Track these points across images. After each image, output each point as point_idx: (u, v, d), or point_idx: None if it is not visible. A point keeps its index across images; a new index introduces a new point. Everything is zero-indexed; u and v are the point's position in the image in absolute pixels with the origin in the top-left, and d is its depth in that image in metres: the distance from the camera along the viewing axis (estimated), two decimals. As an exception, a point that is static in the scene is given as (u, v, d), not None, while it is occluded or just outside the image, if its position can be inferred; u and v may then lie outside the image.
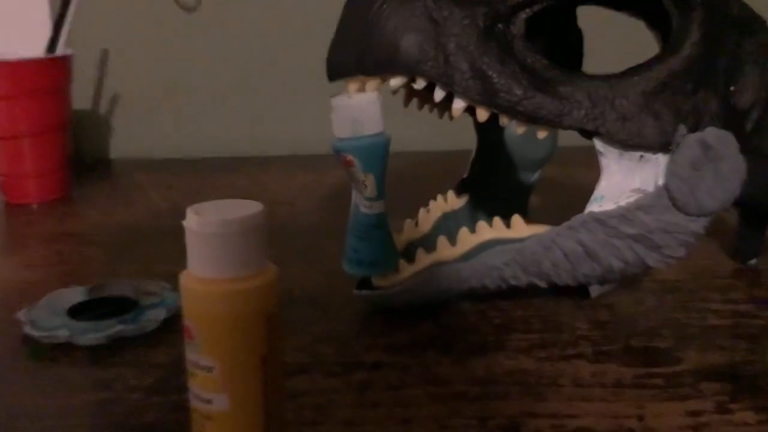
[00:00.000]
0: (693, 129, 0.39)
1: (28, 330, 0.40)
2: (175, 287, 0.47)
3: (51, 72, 0.66)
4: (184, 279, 0.27)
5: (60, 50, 0.69)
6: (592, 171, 0.46)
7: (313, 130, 0.86)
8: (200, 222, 0.26)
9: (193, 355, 0.28)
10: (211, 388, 0.27)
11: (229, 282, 0.27)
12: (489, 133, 0.51)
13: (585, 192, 0.59)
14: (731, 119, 0.41)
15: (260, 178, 0.75)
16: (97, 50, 0.85)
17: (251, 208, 0.27)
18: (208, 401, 0.28)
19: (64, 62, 0.68)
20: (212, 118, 0.87)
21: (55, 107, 0.67)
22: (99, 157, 0.88)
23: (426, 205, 0.50)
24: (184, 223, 0.27)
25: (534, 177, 0.53)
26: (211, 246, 0.26)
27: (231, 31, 0.85)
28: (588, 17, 0.62)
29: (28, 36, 0.82)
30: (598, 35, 0.75)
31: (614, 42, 0.80)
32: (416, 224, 0.48)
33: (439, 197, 0.50)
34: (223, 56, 0.86)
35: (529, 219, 0.52)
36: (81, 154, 0.87)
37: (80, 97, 0.86)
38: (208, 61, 0.86)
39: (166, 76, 0.86)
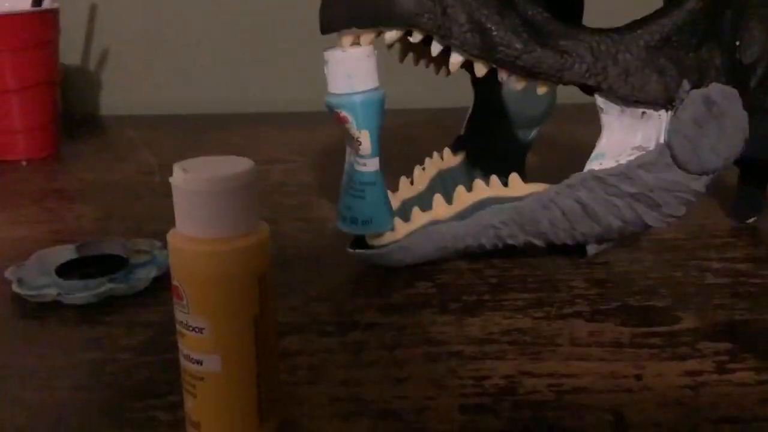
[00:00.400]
0: (697, 85, 0.38)
1: (15, 288, 0.40)
2: (166, 245, 0.46)
3: (38, 26, 0.65)
4: (172, 238, 0.26)
5: (46, 3, 0.68)
6: (591, 128, 0.46)
7: (307, 86, 0.84)
8: (188, 179, 0.25)
9: (182, 315, 0.27)
10: (202, 348, 0.27)
11: (219, 242, 0.26)
12: (486, 90, 0.50)
13: (583, 150, 0.58)
14: (736, 75, 0.39)
15: (253, 135, 0.73)
16: (86, 4, 0.83)
17: (241, 164, 0.27)
18: (199, 362, 0.27)
19: (51, 15, 0.66)
20: (204, 74, 0.86)
21: (43, 62, 0.66)
22: (89, 114, 0.86)
23: (421, 163, 0.49)
24: (171, 180, 0.26)
25: (532, 134, 0.52)
26: (200, 204, 0.25)
27: (222, -16, 0.83)
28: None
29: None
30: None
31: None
32: (411, 182, 0.48)
33: (435, 155, 0.49)
34: (215, 11, 0.84)
35: (526, 177, 0.52)
36: (70, 110, 0.85)
37: (69, 53, 0.84)
38: (200, 16, 0.84)
39: (157, 31, 0.84)
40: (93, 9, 0.83)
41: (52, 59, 0.67)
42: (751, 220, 0.49)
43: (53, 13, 0.66)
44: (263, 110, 0.85)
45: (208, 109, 0.85)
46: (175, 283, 0.27)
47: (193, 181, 0.25)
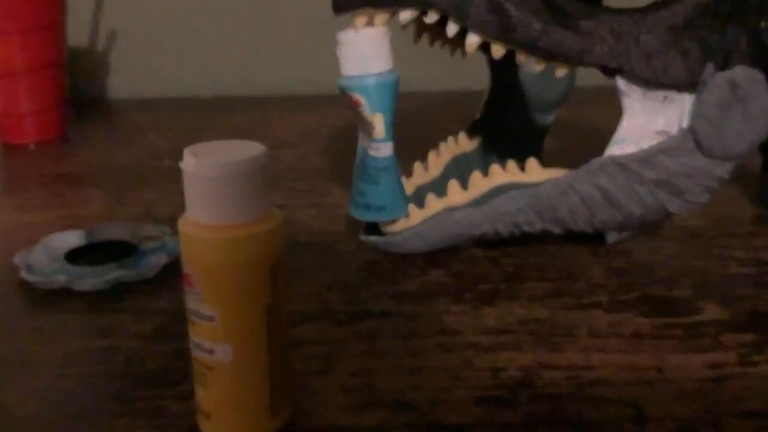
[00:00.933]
0: (721, 67, 0.37)
1: (24, 275, 0.39)
2: (177, 231, 0.45)
3: (45, 7, 0.64)
4: (183, 225, 0.26)
5: (54, -16, 0.67)
6: (611, 112, 0.44)
7: (318, 68, 0.83)
8: (199, 164, 0.25)
9: (193, 304, 0.26)
10: (214, 337, 0.26)
11: (230, 228, 0.25)
12: (503, 72, 0.49)
13: (603, 134, 0.57)
14: (761, 57, 0.38)
15: (263, 119, 0.72)
16: (93, -15, 0.82)
17: (253, 149, 0.26)
18: (211, 351, 0.26)
19: (59, -4, 0.65)
20: (213, 57, 0.85)
21: (50, 43, 0.65)
22: (97, 96, 0.85)
23: (436, 147, 0.48)
24: (182, 165, 0.25)
25: (550, 118, 0.50)
26: (211, 190, 0.25)
27: (232, -35, 0.82)
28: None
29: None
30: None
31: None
32: (426, 168, 0.47)
33: (450, 139, 0.48)
34: (225, -8, 0.82)
35: (544, 162, 0.50)
36: (79, 93, 0.85)
37: (77, 35, 0.83)
38: (209, -3, 0.83)
39: (166, 13, 0.83)
40: (102, -10, 0.82)
41: (59, 41, 0.66)
42: (774, 208, 0.48)
43: (61, -6, 0.66)
44: (274, 93, 0.84)
45: (218, 91, 0.84)
46: (186, 270, 0.26)
47: (205, 166, 0.25)
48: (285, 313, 0.27)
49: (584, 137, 0.63)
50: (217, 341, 0.26)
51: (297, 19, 0.83)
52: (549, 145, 0.61)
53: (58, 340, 0.35)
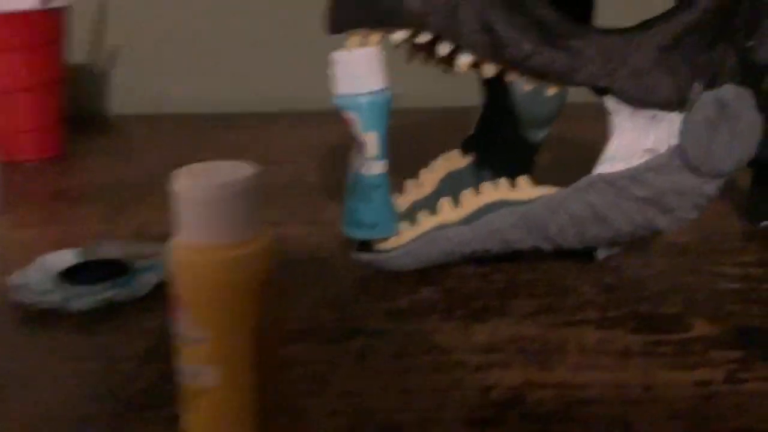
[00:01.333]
0: (709, 86, 0.38)
1: (19, 294, 0.39)
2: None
3: (46, 24, 0.64)
4: (174, 246, 0.26)
5: (55, 2, 0.67)
6: (603, 127, 0.45)
7: (316, 85, 0.84)
8: (189, 186, 0.25)
9: (182, 325, 0.26)
10: (202, 359, 0.26)
11: (219, 249, 0.25)
12: (496, 89, 0.49)
13: (594, 150, 0.57)
14: (749, 75, 0.39)
15: (261, 135, 0.73)
16: (94, 2, 0.83)
17: (243, 170, 0.26)
18: (198, 374, 0.26)
19: (60, 14, 0.66)
20: (212, 73, 0.85)
21: (51, 61, 0.66)
22: (97, 113, 0.86)
23: (429, 164, 0.48)
24: (174, 186, 0.26)
25: (542, 134, 0.51)
26: (200, 211, 0.25)
27: (230, -18, 0.82)
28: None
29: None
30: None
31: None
32: (419, 184, 0.47)
33: (443, 156, 0.48)
34: (224, 10, 0.83)
35: (535, 178, 0.51)
36: (79, 109, 0.85)
37: (78, 52, 0.84)
38: (208, 15, 0.83)
39: (166, 31, 0.84)
40: (102, 7, 0.83)
41: (60, 58, 0.67)
42: (764, 224, 0.48)
43: (61, 11, 0.66)
44: (272, 109, 0.85)
45: (217, 108, 0.85)
46: (176, 292, 0.26)
47: (194, 187, 0.25)
48: (275, 334, 0.28)
49: (576, 152, 0.64)
50: (205, 363, 0.26)
51: (295, 37, 0.84)
52: (541, 160, 0.62)
53: (50, 359, 0.35)
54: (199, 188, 0.25)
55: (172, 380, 0.33)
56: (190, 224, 0.25)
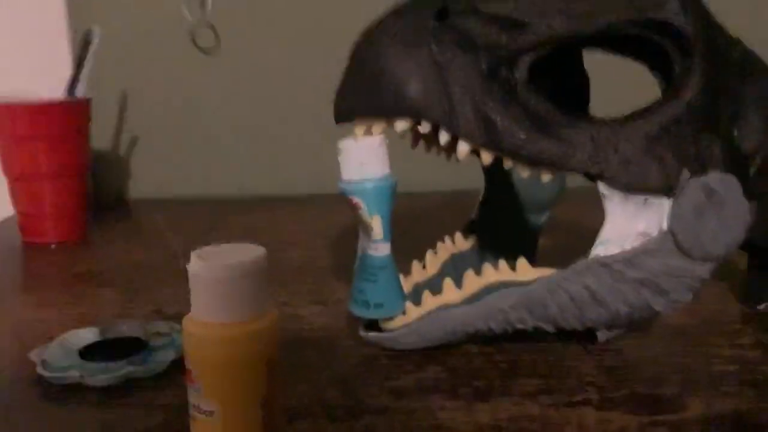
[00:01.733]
0: (696, 173, 0.40)
1: (40, 370, 0.41)
2: (185, 328, 0.47)
3: (71, 114, 0.68)
4: (186, 323, 0.28)
5: (80, 93, 0.71)
6: (602, 212, 0.47)
7: (329, 170, 0.87)
8: (202, 266, 0.27)
9: (194, 398, 0.28)
10: (212, 431, 0.28)
11: (228, 326, 0.27)
12: (497, 174, 0.52)
13: (596, 233, 0.59)
14: (735, 163, 0.41)
15: (276, 219, 0.75)
16: (117, 92, 0.87)
17: (254, 252, 0.28)
18: (209, 445, 0.28)
19: (84, 105, 0.70)
20: (230, 159, 0.89)
21: (75, 149, 0.69)
22: (118, 197, 0.89)
23: (434, 246, 0.50)
24: (188, 267, 0.28)
25: (543, 218, 0.53)
26: (212, 290, 0.27)
27: (248, 74, 0.87)
28: (596, 62, 0.62)
29: (49, 78, 0.85)
30: (606, 79, 0.75)
31: (622, 85, 0.80)
32: (424, 266, 0.49)
33: (447, 239, 0.50)
34: (241, 98, 0.87)
35: (537, 261, 0.53)
36: (100, 194, 0.89)
37: (100, 138, 0.88)
38: (226, 103, 0.87)
39: (185, 118, 0.88)
40: (124, 98, 0.87)
41: (84, 146, 0.70)
42: (761, 306, 0.49)
43: (86, 102, 0.70)
44: (285, 193, 0.88)
45: (233, 192, 0.88)
46: (188, 366, 0.28)
47: (208, 268, 0.27)
48: (280, 407, 0.29)
49: (577, 236, 0.66)
50: (215, 435, 0.28)
51: (306, 126, 0.87)
52: (544, 244, 0.63)
53: (68, 433, 0.36)
54: (211, 268, 0.27)
55: (183, 455, 0.34)
56: (201, 302, 0.27)
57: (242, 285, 0.27)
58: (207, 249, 0.28)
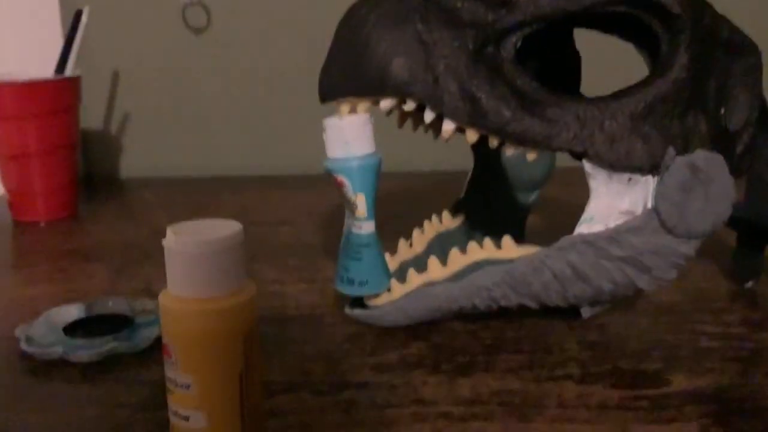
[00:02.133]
0: (682, 151, 0.39)
1: (23, 346, 0.41)
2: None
3: (60, 93, 0.68)
4: (162, 298, 0.28)
5: (69, 71, 0.71)
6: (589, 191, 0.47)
7: (316, 150, 0.87)
8: (177, 241, 0.27)
9: (171, 372, 0.28)
10: (189, 405, 0.28)
11: (204, 301, 0.27)
12: (486, 154, 0.51)
13: (581, 213, 0.59)
14: (721, 141, 0.41)
15: (265, 197, 0.75)
16: (108, 71, 0.87)
17: (229, 228, 0.28)
18: (186, 418, 0.28)
19: (73, 83, 0.69)
20: (221, 139, 0.88)
21: (64, 127, 0.69)
22: (109, 176, 0.89)
23: (421, 225, 0.50)
24: (164, 242, 0.28)
25: (532, 197, 0.53)
26: (187, 265, 0.27)
27: (239, 52, 0.86)
28: (588, 41, 0.62)
29: (40, 56, 0.84)
30: (599, 58, 0.75)
31: (615, 64, 0.80)
32: (410, 244, 0.49)
33: (434, 217, 0.50)
34: (232, 77, 0.87)
35: (525, 240, 0.53)
36: (92, 173, 0.89)
37: (92, 117, 0.88)
38: (217, 82, 0.87)
39: (176, 97, 0.87)
40: (115, 76, 0.87)
41: (73, 124, 0.70)
42: (749, 284, 0.49)
43: (75, 80, 0.70)
44: (275, 173, 0.87)
45: (224, 172, 0.88)
46: (165, 341, 0.28)
47: (183, 243, 0.27)
48: (258, 382, 0.29)
49: (566, 215, 0.66)
50: (192, 409, 0.28)
51: (301, 104, 0.87)
52: (533, 223, 0.63)
53: (51, 408, 0.37)
54: (185, 244, 0.27)
55: (165, 428, 0.34)
56: (176, 277, 0.27)
57: (217, 260, 0.27)
58: (183, 224, 0.28)
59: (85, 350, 0.41)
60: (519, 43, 0.40)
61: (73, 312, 0.45)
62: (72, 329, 0.44)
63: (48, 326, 0.44)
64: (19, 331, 0.43)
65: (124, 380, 0.39)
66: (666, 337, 0.43)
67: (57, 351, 0.40)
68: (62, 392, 0.38)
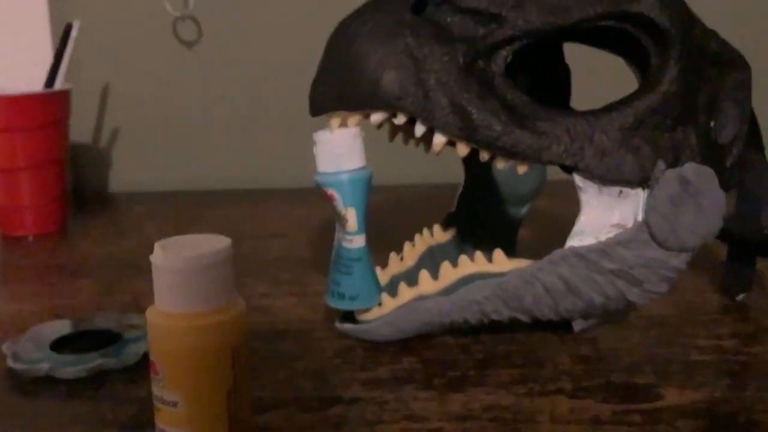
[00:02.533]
0: (672, 164, 0.39)
1: (9, 363, 0.40)
2: (161, 320, 0.47)
3: (49, 106, 0.67)
4: (150, 313, 0.27)
5: (59, 84, 0.71)
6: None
7: (307, 163, 0.86)
8: (164, 257, 0.27)
9: (158, 390, 0.28)
10: (176, 423, 0.27)
11: (192, 317, 0.27)
12: (477, 167, 0.51)
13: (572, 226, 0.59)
14: (711, 154, 0.41)
15: (256, 211, 0.75)
16: (98, 85, 0.86)
17: (218, 243, 0.28)
18: (174, 436, 0.28)
19: (63, 96, 0.69)
20: (210, 152, 0.88)
21: (53, 141, 0.68)
22: (99, 190, 0.89)
23: (412, 238, 0.50)
24: (151, 258, 0.27)
25: (523, 211, 0.53)
26: (174, 281, 0.27)
27: (230, 66, 0.86)
28: (578, 55, 0.62)
29: (30, 70, 0.84)
30: (589, 72, 0.75)
31: (605, 78, 0.80)
32: (401, 258, 0.49)
33: (425, 231, 0.50)
34: (222, 91, 0.87)
35: (516, 253, 0.52)
36: (81, 187, 0.88)
37: (81, 131, 0.87)
38: (207, 96, 0.87)
39: (166, 111, 0.87)
40: (105, 89, 0.86)
41: (63, 138, 0.70)
42: (740, 297, 0.49)
43: (64, 94, 0.69)
44: (265, 186, 0.87)
45: (214, 185, 0.88)
46: (152, 358, 0.28)
47: (169, 258, 0.27)
48: (247, 398, 0.29)
49: (558, 228, 0.66)
50: (179, 427, 0.27)
51: (292, 118, 0.87)
52: (524, 236, 0.63)
53: (37, 426, 0.36)
54: (172, 259, 0.26)
55: (152, 447, 0.34)
56: (163, 293, 0.27)
57: (204, 276, 0.27)
58: (171, 239, 0.28)
59: (72, 367, 0.40)
60: (509, 58, 0.40)
61: (60, 328, 0.45)
62: (59, 345, 0.43)
63: (35, 342, 0.43)
64: (6, 348, 0.42)
65: (112, 397, 0.39)
66: (658, 350, 0.43)
67: (44, 367, 0.40)
68: (48, 409, 0.38)
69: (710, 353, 0.42)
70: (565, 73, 0.50)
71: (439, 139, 0.40)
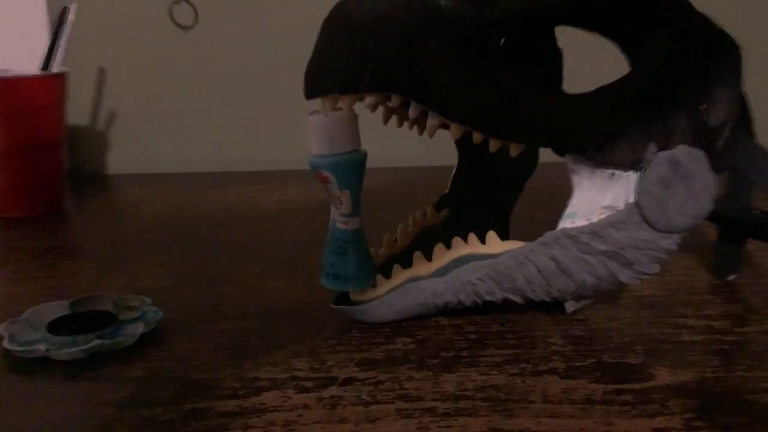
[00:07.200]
0: (663, 147, 0.40)
1: (6, 344, 0.41)
2: (157, 302, 0.47)
3: (46, 89, 0.67)
4: None
5: (56, 67, 0.70)
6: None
7: (305, 146, 0.86)
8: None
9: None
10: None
11: None
12: (470, 149, 0.52)
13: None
14: (702, 137, 0.41)
15: (252, 193, 0.75)
16: (95, 67, 0.86)
17: None
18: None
19: (59, 79, 0.69)
20: (207, 135, 0.88)
21: (50, 123, 0.68)
22: (96, 173, 0.89)
23: (405, 220, 0.50)
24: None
25: (516, 193, 0.53)
26: None
27: (226, 50, 0.86)
28: (570, 39, 0.62)
29: (27, 52, 0.84)
30: (581, 55, 0.75)
31: (597, 61, 0.80)
32: (395, 240, 0.49)
33: (419, 213, 0.50)
34: (219, 74, 0.87)
35: (509, 234, 0.53)
36: (79, 169, 0.88)
37: (78, 114, 0.87)
38: (204, 79, 0.87)
39: (163, 94, 0.87)
40: (102, 72, 0.86)
41: (60, 121, 0.70)
42: (730, 278, 0.50)
43: (62, 76, 0.69)
44: (262, 169, 0.87)
45: (210, 168, 0.88)
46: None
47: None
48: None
49: (551, 210, 0.66)
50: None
51: (288, 101, 0.87)
52: (518, 217, 0.63)
53: (32, 407, 0.36)
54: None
55: (150, 426, 0.34)
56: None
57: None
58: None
59: (69, 348, 0.40)
60: (503, 40, 0.40)
61: (57, 309, 0.45)
62: (56, 327, 0.44)
63: (31, 324, 0.43)
64: (2, 329, 0.42)
65: (109, 378, 0.39)
66: (649, 330, 0.43)
67: (40, 349, 0.40)
68: (45, 391, 0.38)
69: (701, 333, 0.43)
70: (557, 56, 0.50)
71: (432, 122, 0.40)
